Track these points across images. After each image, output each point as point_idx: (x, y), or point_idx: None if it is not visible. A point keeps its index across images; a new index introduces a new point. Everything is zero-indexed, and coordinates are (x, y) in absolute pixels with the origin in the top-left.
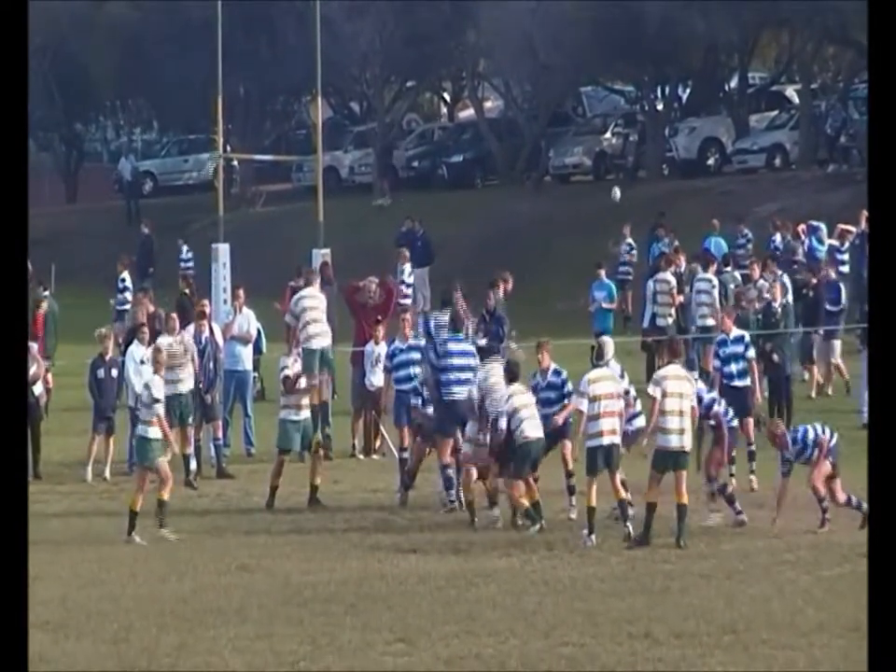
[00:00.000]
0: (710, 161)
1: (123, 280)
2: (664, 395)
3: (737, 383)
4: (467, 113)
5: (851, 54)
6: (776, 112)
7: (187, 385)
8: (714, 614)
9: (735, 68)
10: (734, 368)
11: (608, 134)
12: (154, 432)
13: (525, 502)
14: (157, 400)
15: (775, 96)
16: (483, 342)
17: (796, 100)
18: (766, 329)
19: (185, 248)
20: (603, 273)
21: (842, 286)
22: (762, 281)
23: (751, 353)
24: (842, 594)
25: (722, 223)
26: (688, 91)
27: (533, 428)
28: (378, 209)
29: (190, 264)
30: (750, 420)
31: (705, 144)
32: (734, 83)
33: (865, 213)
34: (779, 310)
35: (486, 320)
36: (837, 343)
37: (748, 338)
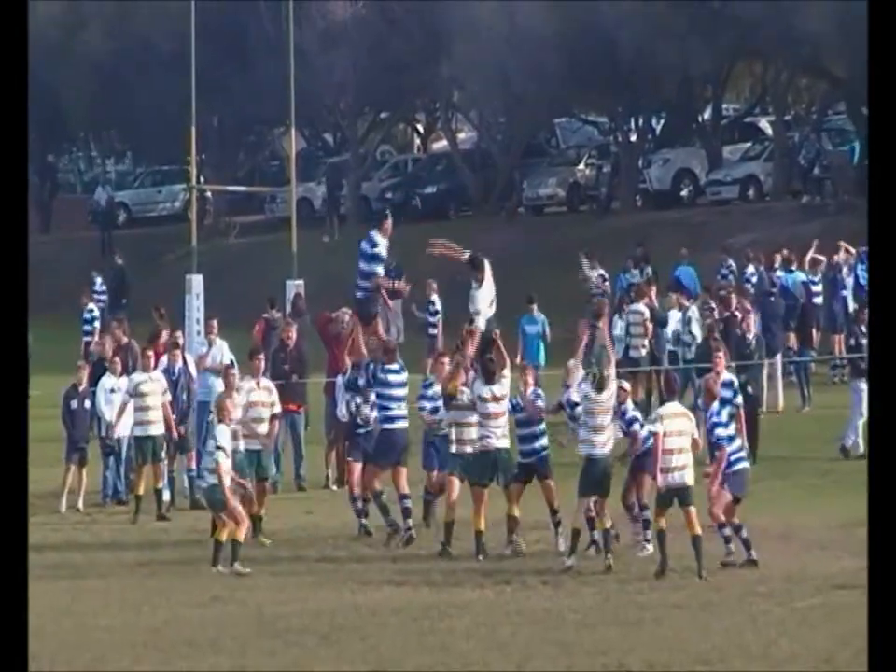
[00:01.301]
0: (684, 193)
1: (91, 311)
2: (664, 434)
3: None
4: (440, 144)
5: (825, 85)
6: (749, 143)
7: (158, 428)
8: (688, 645)
9: (708, 99)
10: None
11: (581, 166)
12: (215, 479)
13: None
14: (219, 448)
15: (748, 127)
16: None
17: (770, 131)
18: (741, 360)
19: (98, 280)
20: (535, 307)
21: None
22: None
23: (739, 399)
24: (815, 625)
25: (696, 254)
26: (661, 122)
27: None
28: (334, 243)
29: (104, 297)
30: None
31: (678, 175)
32: (707, 114)
33: (842, 244)
34: (753, 341)
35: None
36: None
37: (736, 384)
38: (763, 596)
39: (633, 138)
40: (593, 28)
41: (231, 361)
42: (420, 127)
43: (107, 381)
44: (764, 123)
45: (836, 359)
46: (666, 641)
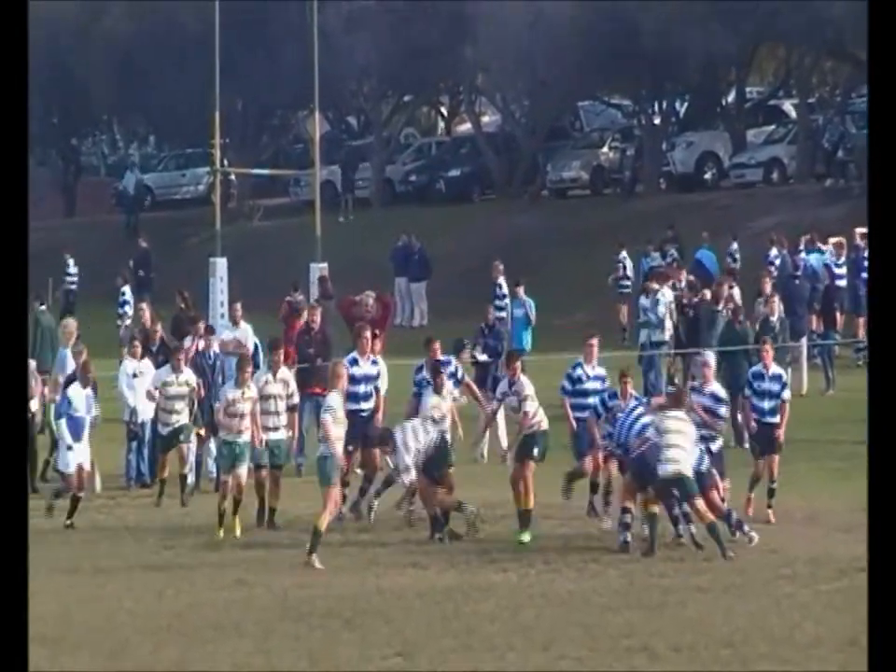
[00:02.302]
0: (707, 176)
1: (123, 294)
2: (665, 431)
3: (768, 419)
4: (464, 127)
5: (849, 68)
6: (773, 126)
7: (183, 419)
8: (712, 628)
9: (732, 83)
10: (766, 404)
11: (605, 149)
12: (327, 450)
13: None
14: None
15: (772, 110)
16: (482, 357)
17: (793, 114)
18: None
19: (71, 262)
20: (521, 290)
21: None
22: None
23: (787, 394)
24: (839, 608)
25: (720, 238)
26: (685, 105)
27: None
28: (375, 224)
29: (75, 279)
30: (776, 457)
31: (702, 158)
32: (731, 97)
33: (858, 229)
34: (777, 325)
35: (485, 334)
36: None
37: (785, 377)
38: (787, 579)
39: (656, 121)
40: (616, 11)
41: (256, 346)
42: (444, 110)
43: (129, 364)
44: (788, 106)
45: (860, 342)
46: (690, 624)
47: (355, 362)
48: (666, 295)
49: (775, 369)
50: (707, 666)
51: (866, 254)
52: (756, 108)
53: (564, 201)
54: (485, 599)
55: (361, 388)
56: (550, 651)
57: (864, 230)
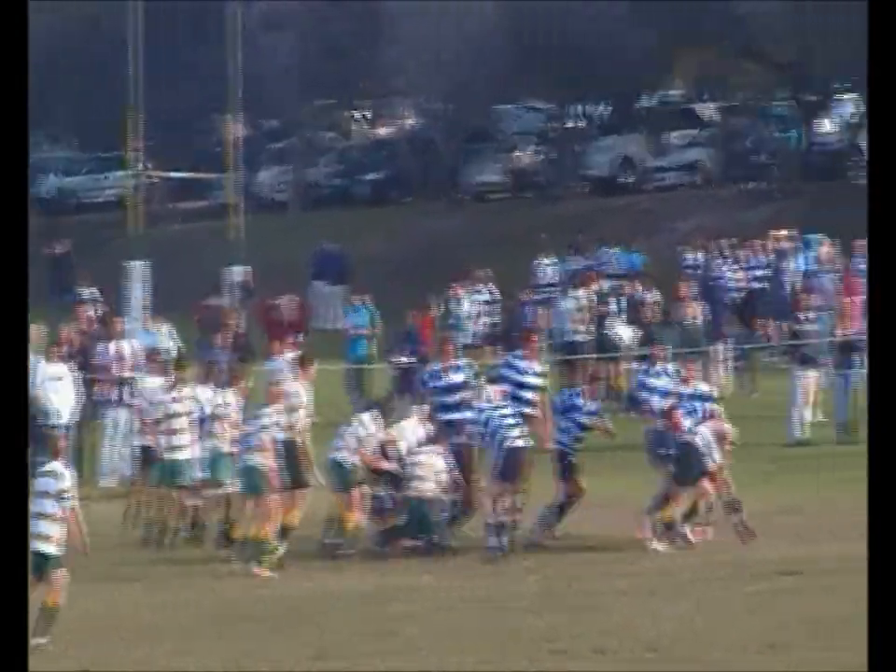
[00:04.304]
0: (627, 179)
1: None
2: None
3: None
4: (384, 130)
5: (768, 72)
6: (692, 130)
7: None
8: (636, 631)
9: (651, 86)
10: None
11: (524, 152)
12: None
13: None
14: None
15: (692, 114)
16: (406, 361)
17: (713, 118)
18: (685, 347)
19: None
20: (359, 299)
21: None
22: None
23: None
24: (761, 610)
25: (639, 241)
26: (604, 108)
27: None
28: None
29: None
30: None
31: (621, 162)
32: (651, 101)
33: (778, 231)
34: (696, 328)
35: (408, 339)
36: None
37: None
38: (709, 582)
39: (576, 125)
40: (536, 14)
41: (174, 349)
42: (364, 113)
43: (49, 369)
44: (708, 110)
45: (779, 346)
46: (615, 628)
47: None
48: (583, 298)
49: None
50: (630, 669)
51: (787, 258)
52: (676, 112)
53: (483, 204)
54: (405, 602)
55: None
56: (469, 653)
57: (783, 232)
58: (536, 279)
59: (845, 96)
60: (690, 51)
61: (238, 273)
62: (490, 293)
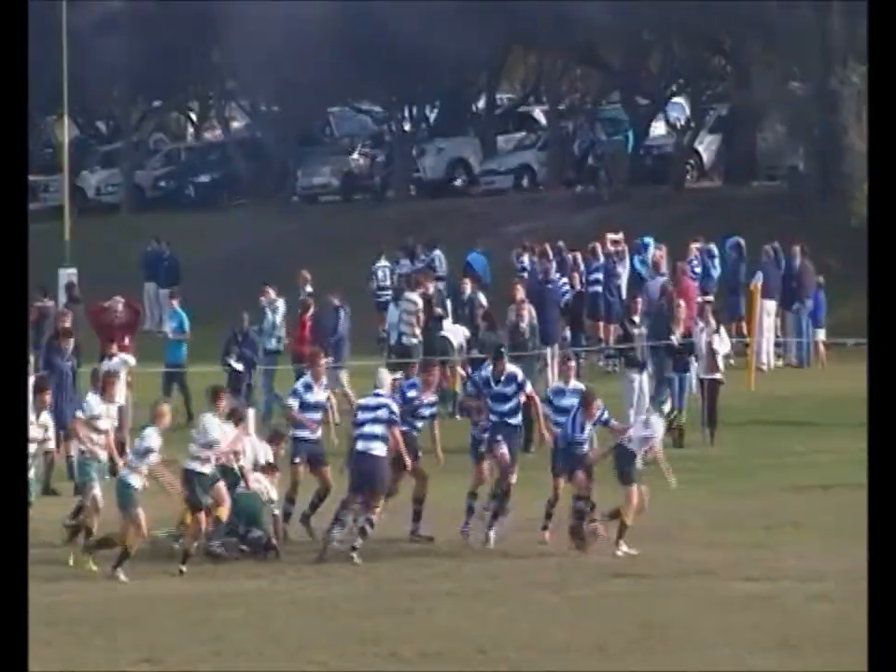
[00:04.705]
0: (458, 182)
1: None
2: None
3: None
4: (214, 133)
5: (598, 75)
6: (523, 133)
7: None
8: (462, 634)
9: (482, 89)
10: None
11: (355, 155)
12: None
13: None
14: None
15: (522, 117)
16: (238, 365)
17: (543, 121)
18: (514, 351)
19: None
20: (175, 302)
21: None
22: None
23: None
24: (589, 613)
25: (470, 244)
26: (435, 111)
27: None
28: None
29: None
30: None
31: (452, 164)
32: (481, 104)
33: (609, 235)
34: (527, 330)
35: (239, 342)
36: None
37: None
38: (538, 585)
39: (407, 127)
40: (366, 16)
41: None
42: (193, 115)
43: None
44: (538, 113)
45: (610, 349)
46: (441, 630)
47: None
48: (416, 301)
49: (574, 384)
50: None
51: (619, 262)
52: (506, 115)
53: (314, 206)
54: (235, 606)
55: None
56: (298, 657)
57: (615, 236)
58: (370, 281)
59: (675, 100)
60: (520, 54)
61: (67, 275)
62: (309, 297)
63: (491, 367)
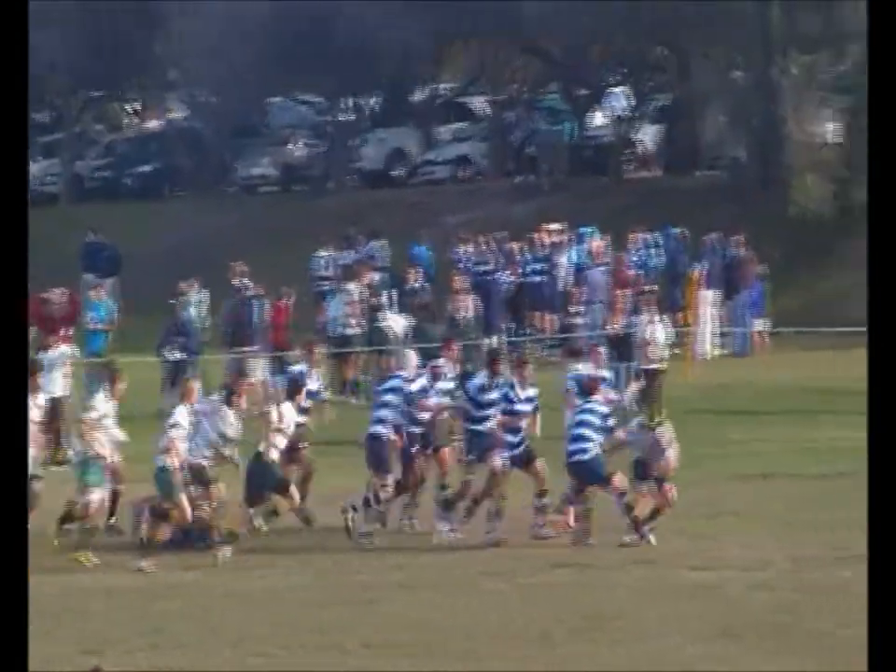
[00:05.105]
0: (398, 173)
1: None
2: None
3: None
4: (154, 123)
5: (538, 65)
6: (463, 123)
7: None
8: (411, 624)
9: (422, 79)
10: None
11: (295, 145)
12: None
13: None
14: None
15: (462, 107)
16: (175, 355)
17: (484, 111)
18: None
19: None
20: (102, 291)
21: None
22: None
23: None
24: (534, 603)
25: (411, 234)
26: (376, 101)
27: None
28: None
29: None
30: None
31: (392, 155)
32: (421, 94)
33: (549, 226)
34: (467, 321)
35: (176, 333)
36: None
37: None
38: (485, 575)
39: (346, 118)
40: (306, 6)
41: None
42: (133, 106)
43: None
44: (478, 103)
45: (551, 339)
46: (387, 620)
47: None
48: (353, 292)
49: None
50: (399, 663)
51: (559, 252)
52: (446, 105)
53: (253, 197)
54: (174, 597)
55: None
56: (240, 648)
57: (554, 226)
58: (310, 272)
59: (616, 90)
60: (461, 45)
61: None
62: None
63: (486, 372)
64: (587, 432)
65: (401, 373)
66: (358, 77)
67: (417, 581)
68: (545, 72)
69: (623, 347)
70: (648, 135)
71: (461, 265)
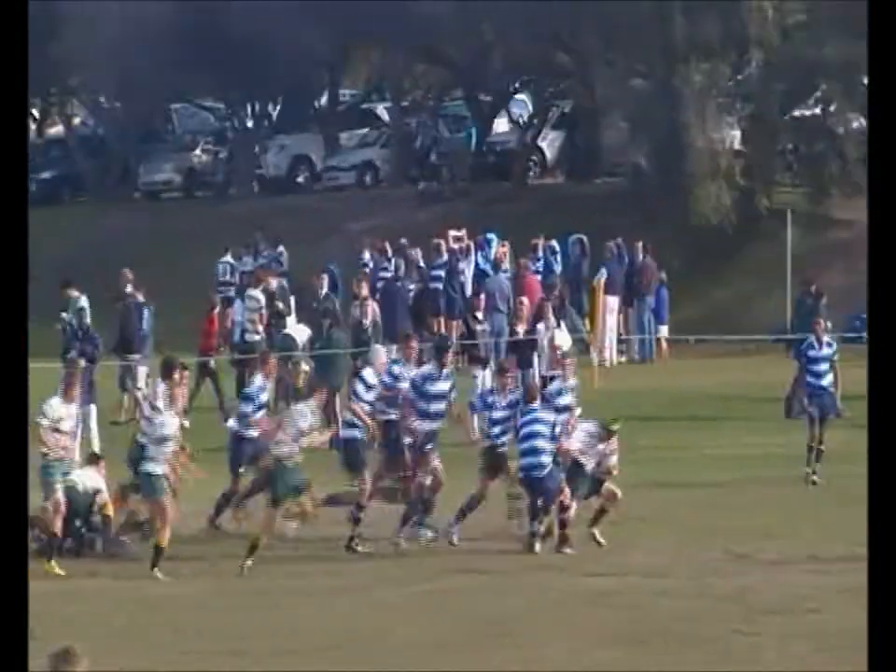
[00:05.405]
0: (300, 179)
1: None
2: None
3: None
4: (55, 129)
5: (441, 72)
6: (366, 130)
7: None
8: (306, 631)
9: (325, 85)
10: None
11: (197, 151)
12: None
13: None
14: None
15: (365, 114)
16: (82, 361)
17: (386, 117)
18: (359, 347)
19: None
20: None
21: None
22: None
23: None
24: (430, 609)
25: (313, 241)
26: (278, 108)
27: None
28: None
29: None
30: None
31: (295, 161)
32: (324, 100)
33: (452, 232)
34: (370, 328)
35: (79, 338)
36: None
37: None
38: (382, 581)
39: (249, 124)
40: (207, 11)
41: None
42: (35, 112)
43: None
44: (381, 109)
45: (455, 345)
46: (284, 627)
47: None
48: (258, 298)
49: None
50: (302, 670)
51: (462, 258)
52: (349, 111)
53: (156, 203)
54: (76, 603)
55: None
56: (142, 655)
57: (457, 232)
58: (213, 278)
59: (519, 96)
60: (364, 51)
61: None
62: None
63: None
64: (539, 444)
65: (369, 370)
66: (260, 82)
67: (311, 587)
68: (448, 79)
69: (525, 354)
70: (550, 142)
71: (364, 270)
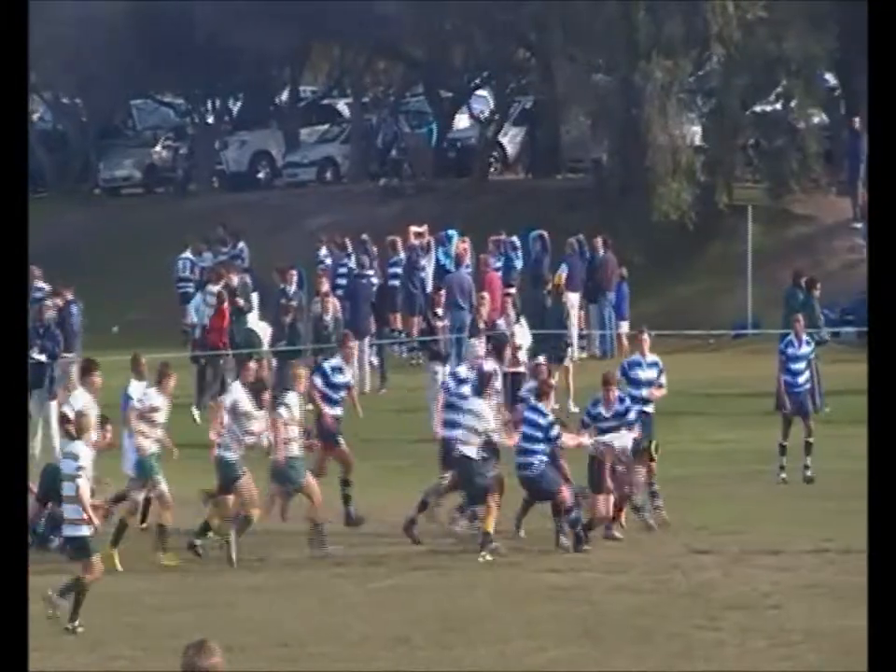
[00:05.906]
0: (261, 175)
1: None
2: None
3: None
4: None
5: (402, 68)
6: (327, 126)
7: None
8: (264, 627)
9: (285, 81)
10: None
11: (158, 147)
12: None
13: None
14: None
15: (325, 110)
16: (41, 357)
17: (347, 113)
18: (318, 343)
19: None
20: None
21: None
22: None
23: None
24: (388, 606)
25: (273, 236)
26: (238, 104)
27: None
28: None
29: None
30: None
31: (255, 157)
32: (284, 96)
33: (413, 228)
34: (331, 323)
35: (41, 335)
36: None
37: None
38: (340, 578)
39: (210, 120)
40: (167, 7)
41: None
42: None
43: None
44: (342, 105)
45: (413, 342)
46: (242, 623)
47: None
48: (216, 294)
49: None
50: (256, 666)
51: (422, 254)
52: (310, 107)
53: (116, 199)
54: (35, 601)
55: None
56: (98, 651)
57: (418, 228)
58: (173, 273)
59: (480, 92)
60: (324, 47)
61: None
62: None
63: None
64: (532, 444)
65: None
66: (220, 78)
67: (269, 584)
68: (409, 74)
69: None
70: (511, 138)
71: (325, 267)
